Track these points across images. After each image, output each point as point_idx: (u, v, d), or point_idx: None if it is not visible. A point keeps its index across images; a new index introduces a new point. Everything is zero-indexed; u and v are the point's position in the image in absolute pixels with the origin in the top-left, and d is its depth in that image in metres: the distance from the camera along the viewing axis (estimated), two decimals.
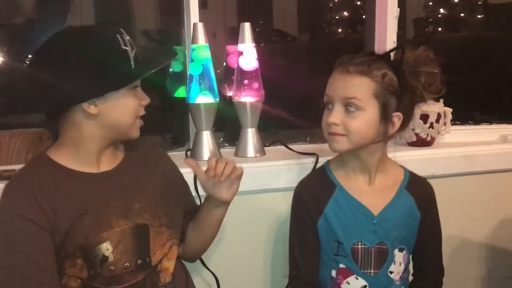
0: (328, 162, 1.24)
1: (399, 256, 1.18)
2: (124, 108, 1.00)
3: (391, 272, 1.17)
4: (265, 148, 1.55)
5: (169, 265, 1.08)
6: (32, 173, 0.99)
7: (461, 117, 1.76)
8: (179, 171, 1.21)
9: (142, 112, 1.04)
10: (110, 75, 0.96)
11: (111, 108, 0.98)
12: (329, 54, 2.29)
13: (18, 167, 1.11)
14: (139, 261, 1.02)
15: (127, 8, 1.99)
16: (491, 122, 1.88)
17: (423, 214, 1.19)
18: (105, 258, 0.98)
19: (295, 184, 1.44)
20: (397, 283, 1.19)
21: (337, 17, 2.36)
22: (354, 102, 1.07)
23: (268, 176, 1.43)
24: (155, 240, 1.05)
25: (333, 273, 1.19)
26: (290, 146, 1.59)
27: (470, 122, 1.85)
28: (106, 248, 0.98)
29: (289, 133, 1.79)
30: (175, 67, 1.70)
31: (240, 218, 1.45)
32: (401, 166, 1.23)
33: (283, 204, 1.48)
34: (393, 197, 1.17)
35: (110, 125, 1.00)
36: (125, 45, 0.98)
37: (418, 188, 1.20)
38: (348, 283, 1.18)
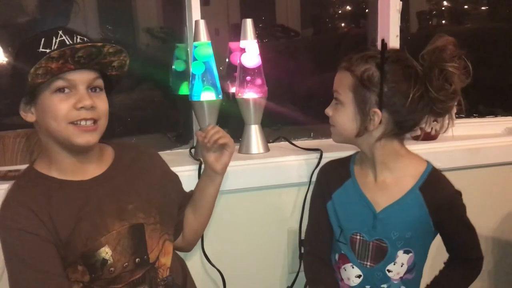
0: (356, 153, 1.26)
1: (402, 258, 1.17)
2: (49, 112, 0.95)
3: (389, 271, 1.17)
4: (269, 144, 1.56)
5: (166, 260, 1.09)
6: (25, 189, 1.00)
7: (465, 110, 1.75)
8: (169, 168, 1.22)
9: (79, 116, 0.95)
10: (22, 80, 0.94)
11: (41, 114, 0.97)
12: (333, 49, 2.28)
13: (22, 167, 1.12)
14: (137, 259, 1.03)
15: (130, 7, 1.99)
16: (496, 115, 1.87)
17: (436, 219, 1.15)
18: (105, 261, 0.99)
19: (299, 180, 1.45)
20: (395, 282, 1.18)
21: (340, 12, 2.35)
22: (336, 95, 1.14)
23: (272, 173, 1.43)
24: (151, 238, 1.06)
25: (336, 256, 1.24)
26: (294, 142, 1.59)
27: (475, 115, 1.84)
28: (106, 251, 0.99)
29: (292, 129, 1.79)
30: (177, 66, 1.70)
31: (245, 215, 1.46)
32: (426, 163, 1.18)
33: (288, 200, 1.49)
34: (401, 197, 1.15)
35: (46, 131, 0.98)
36: (47, 47, 0.93)
37: (433, 191, 1.14)
38: (345, 269, 1.21)
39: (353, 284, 1.20)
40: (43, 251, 0.95)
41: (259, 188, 1.44)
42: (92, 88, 0.98)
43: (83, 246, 0.98)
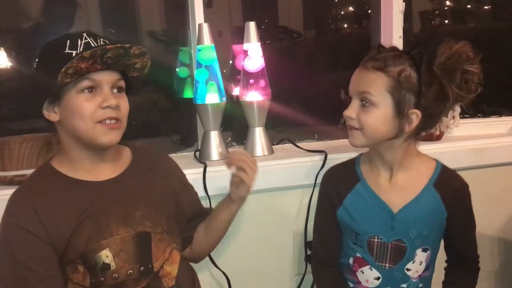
0: (360, 155, 1.25)
1: (421, 256, 1.17)
2: (75, 112, 0.97)
3: (408, 270, 1.17)
4: (273, 146, 1.56)
5: (171, 269, 1.08)
6: (34, 185, 1.02)
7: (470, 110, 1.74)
8: (186, 179, 1.21)
9: (105, 115, 0.97)
10: (47, 80, 0.95)
11: (66, 113, 0.98)
12: (335, 50, 2.28)
13: (29, 172, 1.13)
14: (142, 268, 1.03)
15: (133, 10, 1.99)
16: (500, 115, 1.86)
17: (449, 212, 1.17)
18: (106, 265, 0.99)
19: (303, 182, 1.44)
20: (414, 280, 1.19)
21: (342, 13, 2.35)
22: (367, 96, 1.08)
23: (277, 175, 1.43)
24: (157, 247, 1.05)
25: (351, 260, 1.22)
26: (298, 144, 1.59)
27: (479, 115, 1.83)
28: (106, 255, 0.99)
29: (297, 131, 1.79)
30: (181, 73, 1.71)
31: (250, 217, 1.46)
32: (435, 160, 1.20)
33: (292, 202, 1.49)
34: (417, 196, 1.16)
35: (71, 130, 0.99)
36: (73, 49, 0.95)
37: (447, 186, 1.16)
38: (363, 272, 1.20)
39: (372, 286, 1.20)
40: (35, 250, 0.96)
41: (264, 190, 1.44)
42: (115, 88, 1.01)
43: (83, 246, 0.98)
